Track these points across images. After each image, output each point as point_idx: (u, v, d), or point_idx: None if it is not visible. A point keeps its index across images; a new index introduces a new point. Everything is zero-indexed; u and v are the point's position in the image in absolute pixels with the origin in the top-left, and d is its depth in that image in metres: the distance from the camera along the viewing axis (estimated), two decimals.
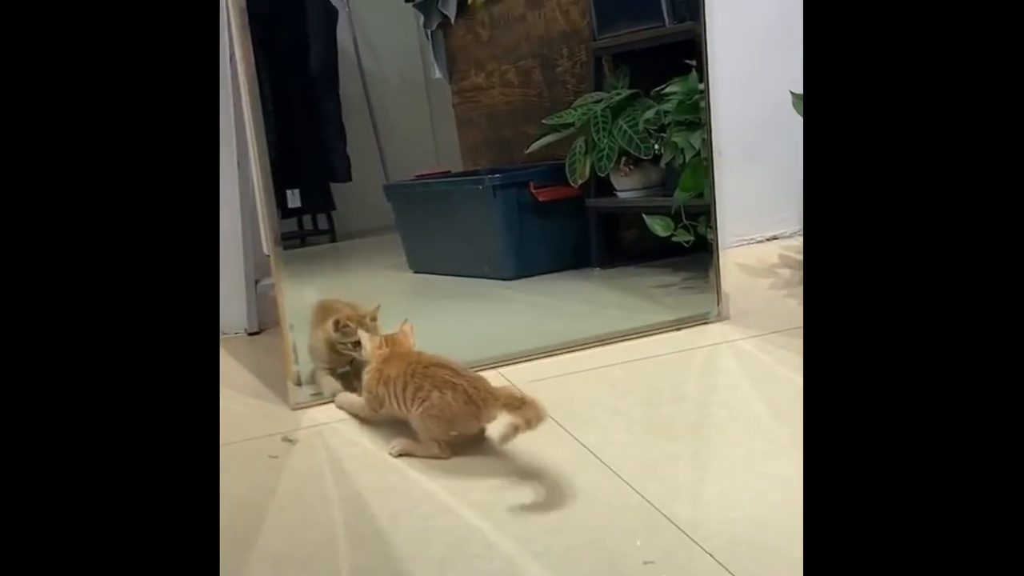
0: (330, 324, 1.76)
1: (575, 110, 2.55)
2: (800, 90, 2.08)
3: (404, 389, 1.50)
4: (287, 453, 1.57)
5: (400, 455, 1.51)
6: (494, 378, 1.80)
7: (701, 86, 2.05)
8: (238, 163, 2.11)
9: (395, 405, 1.53)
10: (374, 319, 1.77)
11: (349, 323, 1.74)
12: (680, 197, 2.13)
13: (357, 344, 1.70)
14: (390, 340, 1.63)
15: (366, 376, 1.60)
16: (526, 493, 1.36)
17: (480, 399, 1.45)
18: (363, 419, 1.65)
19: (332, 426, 1.66)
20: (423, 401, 1.47)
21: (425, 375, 1.49)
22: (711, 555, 1.14)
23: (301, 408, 1.74)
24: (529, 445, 1.50)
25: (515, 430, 1.37)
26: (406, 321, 1.67)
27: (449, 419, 1.47)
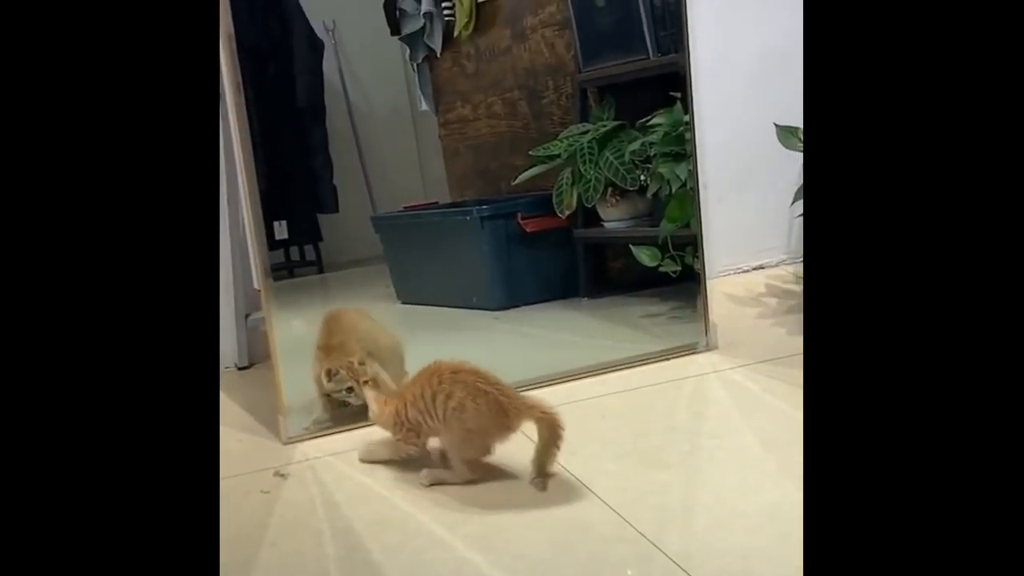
0: (323, 374, 1.76)
1: (561, 141, 2.57)
2: (784, 122, 2.11)
3: (434, 400, 1.47)
4: (279, 488, 1.57)
5: (432, 484, 1.50)
6: None
7: (686, 118, 2.07)
8: (227, 195, 2.11)
9: (430, 423, 1.48)
10: (362, 363, 1.75)
11: (340, 370, 1.74)
12: (667, 227, 2.15)
13: (350, 390, 1.73)
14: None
15: (388, 419, 1.56)
16: (519, 525, 1.37)
17: (512, 408, 1.44)
18: (405, 458, 1.58)
19: (324, 460, 1.66)
20: (456, 410, 1.44)
21: (455, 380, 1.47)
22: None
23: (293, 442, 1.74)
24: (519, 478, 1.51)
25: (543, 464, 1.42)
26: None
27: (483, 431, 1.45)
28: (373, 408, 1.59)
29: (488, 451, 1.50)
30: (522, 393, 1.50)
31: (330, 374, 1.75)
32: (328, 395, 1.79)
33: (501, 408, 1.43)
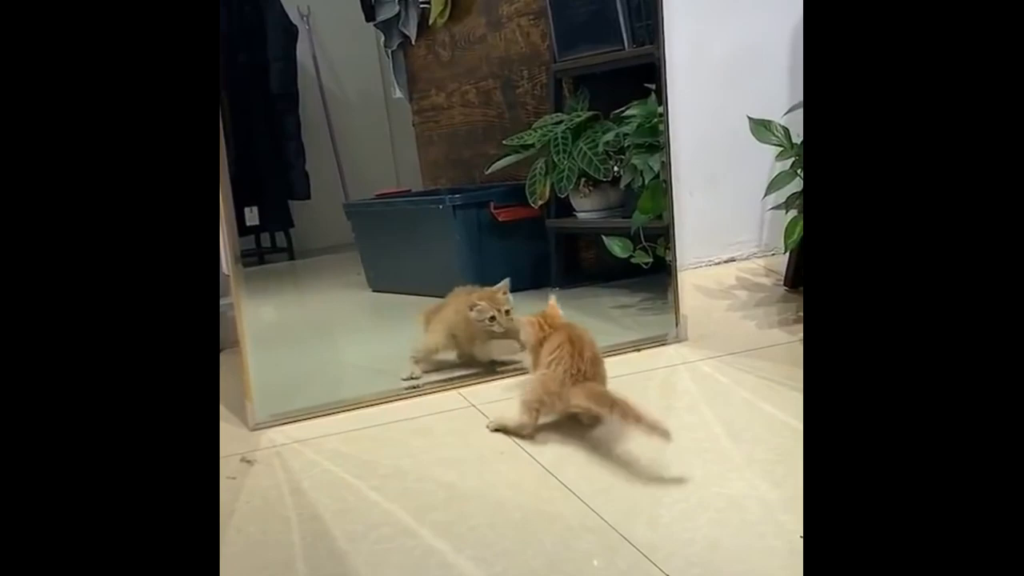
0: (467, 308, 1.92)
1: (535, 131, 2.56)
2: (757, 115, 2.11)
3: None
4: (245, 474, 1.56)
5: (496, 430, 1.63)
6: (453, 399, 1.81)
7: (660, 109, 2.07)
8: None
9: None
10: (505, 292, 1.93)
11: (481, 302, 1.90)
12: (639, 219, 2.15)
13: (492, 319, 1.89)
14: (546, 318, 1.71)
15: (546, 378, 1.61)
16: (485, 513, 1.36)
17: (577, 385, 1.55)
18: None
19: (291, 447, 1.65)
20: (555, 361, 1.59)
21: (578, 338, 1.62)
22: None
23: (260, 429, 1.73)
24: (487, 466, 1.51)
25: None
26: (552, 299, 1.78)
27: (546, 391, 1.58)
28: (526, 330, 1.70)
29: (553, 411, 1.61)
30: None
31: (473, 307, 1.90)
32: (418, 360, 1.98)
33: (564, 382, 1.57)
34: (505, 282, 1.94)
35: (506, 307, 1.90)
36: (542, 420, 1.62)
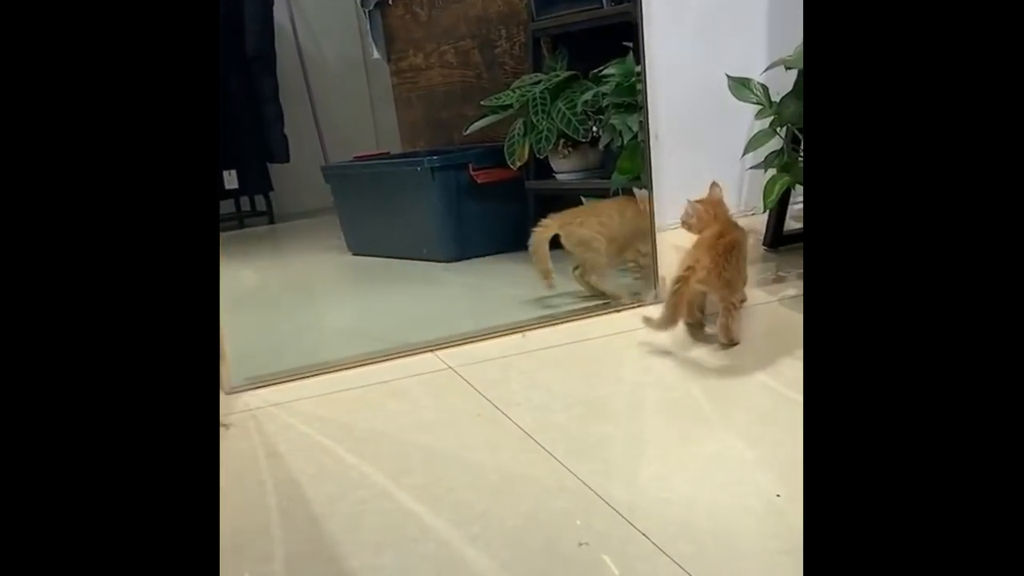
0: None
1: (514, 92, 2.54)
2: (737, 74, 2.09)
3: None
4: (221, 438, 1.55)
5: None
6: (431, 361, 1.80)
7: (638, 69, 2.05)
8: None
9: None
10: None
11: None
12: (618, 179, 2.14)
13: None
14: (713, 204, 1.82)
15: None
16: (462, 476, 1.36)
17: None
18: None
19: (266, 410, 1.64)
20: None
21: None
22: (646, 536, 1.15)
23: (236, 392, 1.72)
24: (465, 428, 1.50)
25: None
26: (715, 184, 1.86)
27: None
28: (693, 211, 1.81)
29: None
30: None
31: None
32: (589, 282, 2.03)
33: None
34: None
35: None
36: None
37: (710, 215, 1.78)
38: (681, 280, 1.66)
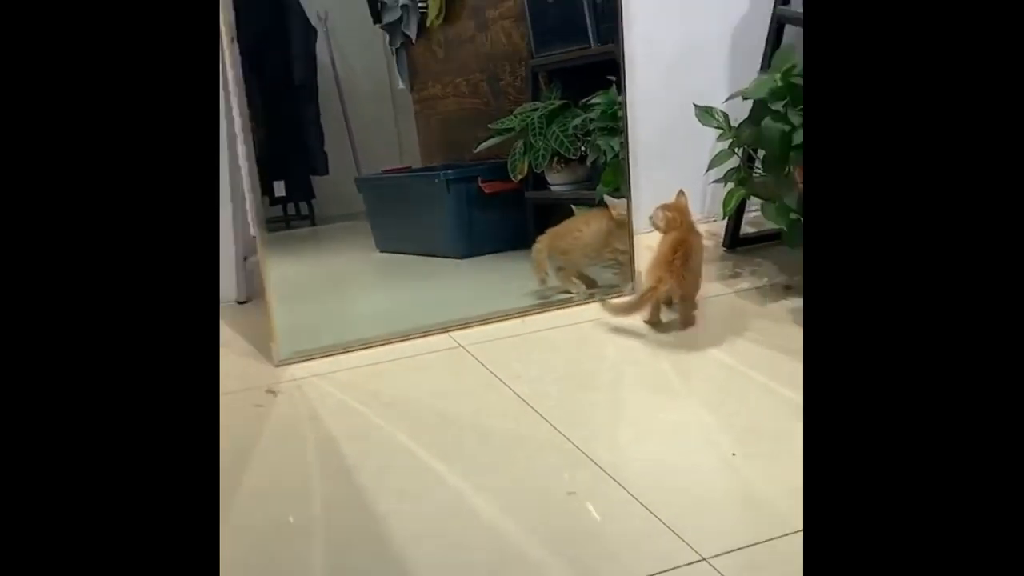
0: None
1: (515, 117, 2.53)
2: (702, 103, 2.08)
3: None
4: (271, 403, 1.55)
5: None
6: (445, 340, 1.80)
7: (620, 98, 2.05)
8: (230, 158, 2.07)
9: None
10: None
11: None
12: (602, 190, 2.12)
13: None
14: (677, 209, 1.81)
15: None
16: (471, 437, 1.36)
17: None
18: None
19: (310, 380, 1.64)
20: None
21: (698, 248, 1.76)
22: (623, 487, 1.15)
23: (283, 365, 1.71)
24: (474, 397, 1.50)
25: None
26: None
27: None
28: (661, 215, 1.80)
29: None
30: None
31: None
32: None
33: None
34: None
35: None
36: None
37: (674, 217, 1.78)
38: (649, 293, 1.69)
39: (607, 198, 2.00)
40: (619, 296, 1.97)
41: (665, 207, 1.80)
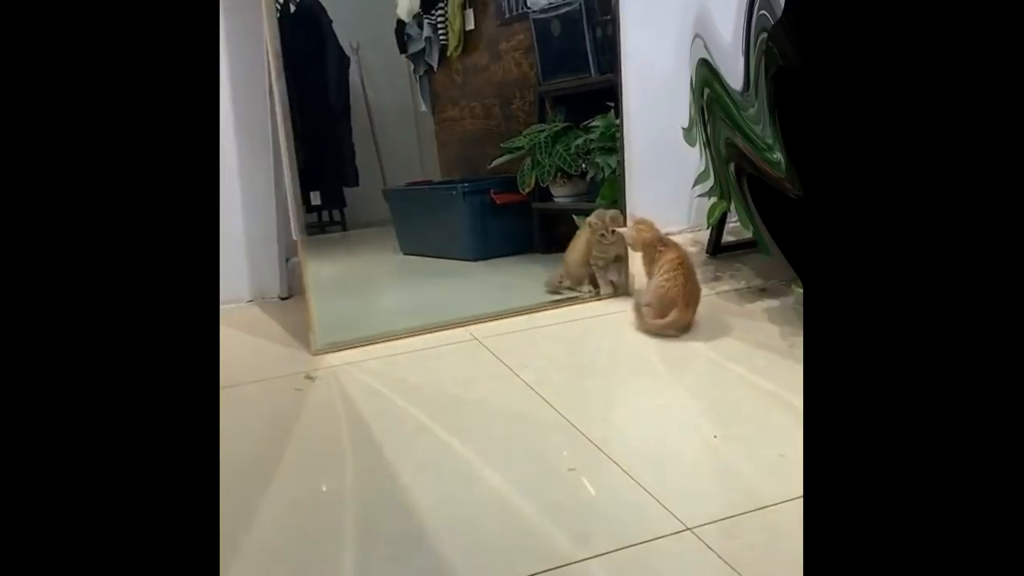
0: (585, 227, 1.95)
1: (524, 137, 2.54)
2: (688, 126, 2.08)
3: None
4: (309, 387, 1.56)
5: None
6: (462, 333, 1.81)
7: (617, 121, 2.05)
8: (274, 171, 2.08)
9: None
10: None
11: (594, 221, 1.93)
12: (600, 203, 2.13)
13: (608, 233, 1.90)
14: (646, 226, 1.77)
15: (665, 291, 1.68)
16: (483, 417, 1.37)
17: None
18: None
19: (343, 367, 1.65)
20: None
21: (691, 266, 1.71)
22: (616, 463, 1.16)
23: (320, 354, 1.72)
24: (486, 383, 1.51)
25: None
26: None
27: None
28: (631, 233, 1.78)
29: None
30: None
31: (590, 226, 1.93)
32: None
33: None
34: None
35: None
36: None
37: (642, 233, 1.75)
38: (679, 318, 1.66)
39: (585, 219, 2.00)
40: (618, 292, 1.98)
41: (639, 222, 1.78)
